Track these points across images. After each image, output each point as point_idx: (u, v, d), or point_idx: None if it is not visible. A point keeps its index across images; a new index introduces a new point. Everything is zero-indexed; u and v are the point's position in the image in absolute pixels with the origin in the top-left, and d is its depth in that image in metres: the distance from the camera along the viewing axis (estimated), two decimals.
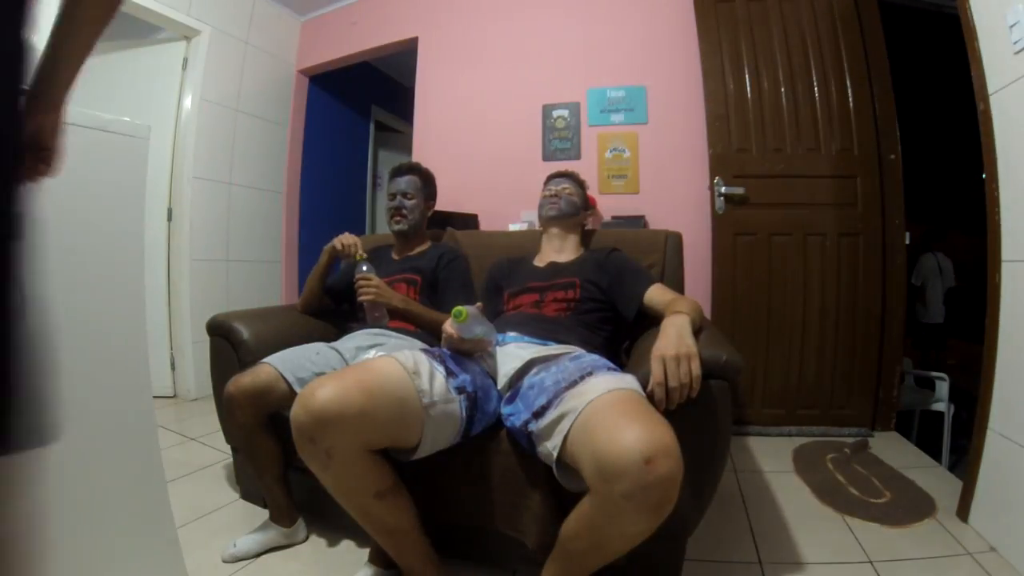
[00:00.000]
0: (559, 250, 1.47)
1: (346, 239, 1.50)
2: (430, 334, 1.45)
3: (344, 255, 1.50)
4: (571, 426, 0.82)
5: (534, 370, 1.02)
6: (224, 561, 1.16)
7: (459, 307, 1.01)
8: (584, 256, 1.44)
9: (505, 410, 1.02)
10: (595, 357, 1.01)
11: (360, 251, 1.47)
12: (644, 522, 0.75)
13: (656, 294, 1.21)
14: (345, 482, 0.91)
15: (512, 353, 1.10)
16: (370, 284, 1.39)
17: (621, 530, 0.77)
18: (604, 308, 1.31)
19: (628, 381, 0.89)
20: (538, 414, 0.90)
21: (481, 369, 1.08)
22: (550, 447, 0.86)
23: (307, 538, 1.28)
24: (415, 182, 1.65)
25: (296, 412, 0.86)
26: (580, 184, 1.55)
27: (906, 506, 1.41)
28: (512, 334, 1.19)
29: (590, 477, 0.77)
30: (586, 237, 1.60)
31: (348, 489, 0.93)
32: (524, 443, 0.97)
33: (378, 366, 0.94)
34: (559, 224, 1.48)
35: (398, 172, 1.67)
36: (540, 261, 1.47)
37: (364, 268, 1.43)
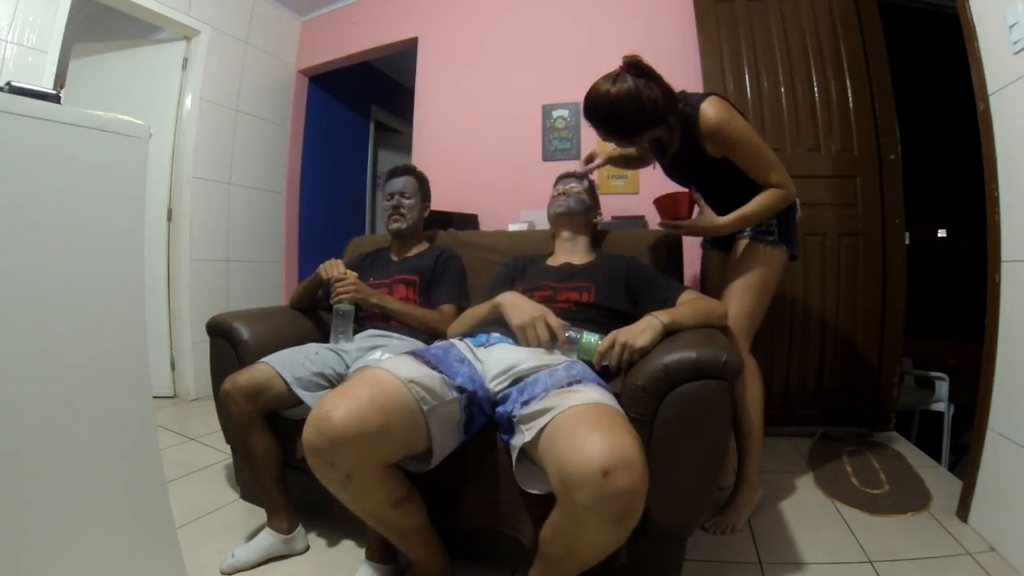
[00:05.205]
0: (571, 252, 1.43)
1: (330, 268, 1.48)
2: (425, 333, 1.45)
3: (328, 282, 1.47)
4: (546, 424, 0.83)
5: (530, 376, 1.01)
6: (223, 572, 1.13)
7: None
8: (598, 261, 1.40)
9: (498, 410, 1.02)
10: (585, 369, 1.00)
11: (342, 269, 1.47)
12: (608, 533, 0.75)
13: (686, 299, 1.20)
14: (364, 498, 0.92)
15: (498, 357, 1.08)
16: (347, 283, 1.40)
17: (588, 539, 0.77)
18: (617, 316, 1.26)
19: (611, 399, 0.90)
20: (526, 402, 0.91)
21: (470, 370, 1.07)
22: (520, 439, 0.88)
23: (307, 548, 1.24)
24: (412, 182, 1.65)
25: (311, 436, 0.84)
26: (590, 184, 1.54)
27: (897, 500, 1.43)
28: (496, 335, 1.16)
29: (554, 484, 0.77)
30: (597, 239, 1.58)
31: (366, 504, 0.93)
32: (504, 431, 0.98)
33: (383, 379, 0.92)
34: (568, 223, 1.46)
35: (394, 173, 1.67)
36: (554, 261, 1.45)
37: (342, 269, 1.44)
